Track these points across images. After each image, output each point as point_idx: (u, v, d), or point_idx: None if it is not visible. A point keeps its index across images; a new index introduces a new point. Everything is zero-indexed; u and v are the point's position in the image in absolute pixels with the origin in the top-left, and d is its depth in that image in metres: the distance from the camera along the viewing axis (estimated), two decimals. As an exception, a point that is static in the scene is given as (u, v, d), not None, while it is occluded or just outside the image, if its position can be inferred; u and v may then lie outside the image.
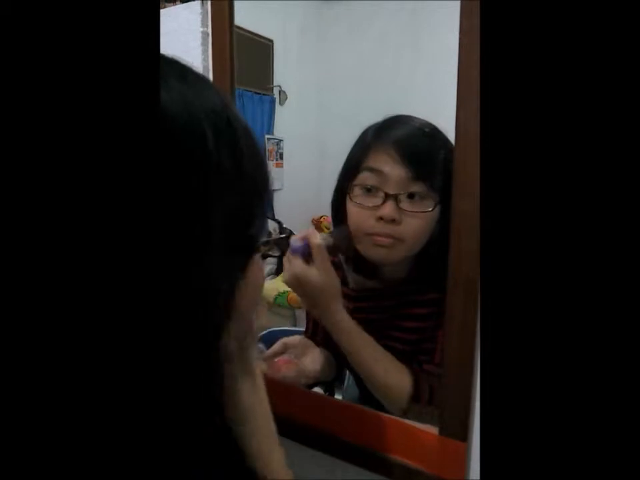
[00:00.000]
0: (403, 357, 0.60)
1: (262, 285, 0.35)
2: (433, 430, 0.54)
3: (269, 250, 0.35)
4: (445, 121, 0.48)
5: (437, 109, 0.60)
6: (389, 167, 0.53)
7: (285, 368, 0.53)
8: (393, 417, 0.59)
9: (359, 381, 0.72)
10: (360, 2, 0.99)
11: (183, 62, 0.31)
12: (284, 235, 0.41)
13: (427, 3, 0.81)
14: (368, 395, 0.74)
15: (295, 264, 0.52)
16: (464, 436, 0.52)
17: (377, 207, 0.53)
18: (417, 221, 0.52)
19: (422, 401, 0.58)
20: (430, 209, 0.52)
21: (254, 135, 0.32)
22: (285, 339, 0.63)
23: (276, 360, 0.55)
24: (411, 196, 0.53)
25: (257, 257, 0.33)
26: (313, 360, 0.60)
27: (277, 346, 0.61)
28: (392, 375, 0.58)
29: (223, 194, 0.27)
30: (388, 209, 0.52)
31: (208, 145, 0.27)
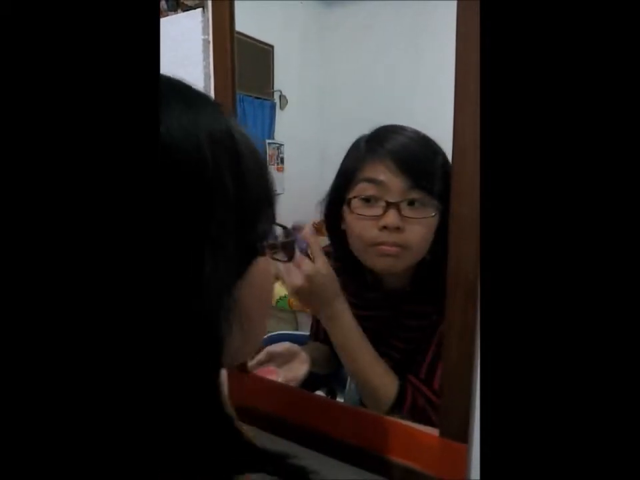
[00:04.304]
0: (396, 365, 0.60)
1: (270, 288, 0.37)
2: (434, 432, 0.54)
3: (275, 253, 0.37)
4: (447, 126, 0.49)
5: (438, 114, 0.60)
6: (387, 177, 0.54)
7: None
8: (394, 419, 0.59)
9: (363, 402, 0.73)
10: (361, 7, 1.00)
11: (185, 82, 0.33)
12: (290, 239, 0.42)
13: (428, 8, 0.81)
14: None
15: (305, 265, 0.52)
16: (464, 438, 0.52)
17: (379, 217, 0.54)
18: (420, 227, 0.53)
19: (404, 409, 0.59)
20: (432, 215, 0.53)
21: (254, 145, 0.34)
22: (270, 348, 0.62)
23: (258, 370, 0.55)
24: (411, 203, 0.54)
25: (263, 259, 0.35)
26: (301, 362, 0.60)
27: (261, 355, 0.60)
28: (380, 378, 0.58)
29: (226, 208, 0.30)
30: (391, 218, 0.52)
31: (208, 168, 0.29)
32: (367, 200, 0.55)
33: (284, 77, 1.24)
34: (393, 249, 0.54)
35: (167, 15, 0.72)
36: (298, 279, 0.53)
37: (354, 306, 0.64)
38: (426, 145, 0.56)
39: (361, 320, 0.63)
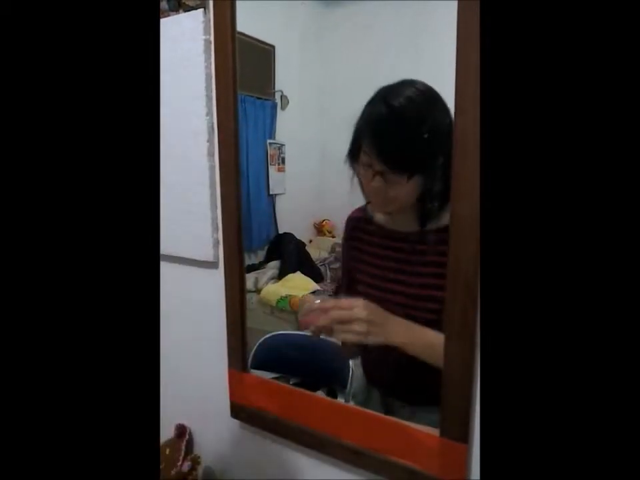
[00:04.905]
0: (405, 299, 0.66)
1: None
2: (434, 432, 0.54)
3: None
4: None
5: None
6: (373, 154, 0.64)
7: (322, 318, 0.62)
8: (394, 419, 0.59)
9: (371, 379, 0.76)
10: (361, 7, 1.00)
11: None
12: None
13: (428, 8, 0.81)
14: (370, 398, 0.75)
15: (352, 301, 0.61)
16: (465, 438, 0.52)
17: (370, 179, 0.66)
18: (401, 188, 0.64)
19: None
20: (405, 182, 0.63)
21: None
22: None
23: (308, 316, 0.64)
24: (392, 172, 0.64)
25: None
26: None
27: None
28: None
29: None
30: (376, 182, 0.65)
31: None
32: (366, 165, 0.67)
33: (285, 77, 1.24)
34: (380, 201, 0.68)
35: (168, 15, 0.72)
36: (361, 312, 0.60)
37: (373, 232, 0.74)
38: (402, 122, 0.64)
39: (377, 246, 0.74)
